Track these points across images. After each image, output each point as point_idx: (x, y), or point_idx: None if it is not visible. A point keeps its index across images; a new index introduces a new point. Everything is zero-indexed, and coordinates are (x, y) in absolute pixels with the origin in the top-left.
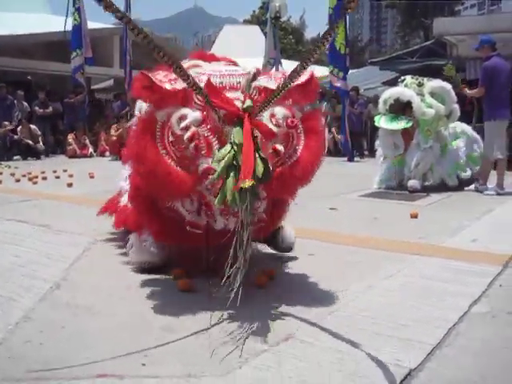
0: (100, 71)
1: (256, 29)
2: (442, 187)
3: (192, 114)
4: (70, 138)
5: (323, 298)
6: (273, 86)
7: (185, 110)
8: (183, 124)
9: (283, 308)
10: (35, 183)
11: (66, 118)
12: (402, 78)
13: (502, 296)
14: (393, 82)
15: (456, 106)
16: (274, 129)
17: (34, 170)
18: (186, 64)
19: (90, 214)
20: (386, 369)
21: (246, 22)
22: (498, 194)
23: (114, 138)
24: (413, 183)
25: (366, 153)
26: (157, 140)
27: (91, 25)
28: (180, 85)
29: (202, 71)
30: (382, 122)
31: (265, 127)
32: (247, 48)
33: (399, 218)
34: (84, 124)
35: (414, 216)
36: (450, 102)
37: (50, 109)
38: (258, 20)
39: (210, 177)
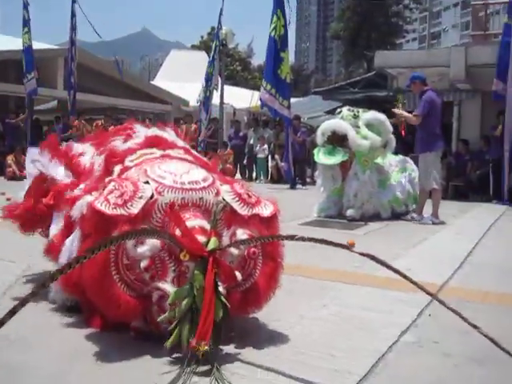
0: (43, 92)
1: (203, 54)
2: (379, 217)
3: (151, 241)
4: (10, 159)
5: (255, 329)
6: (239, 209)
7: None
8: (140, 250)
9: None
10: None
11: (6, 138)
12: (339, 110)
13: (430, 325)
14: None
15: (392, 137)
16: (238, 275)
17: None
18: (137, 153)
19: (25, 240)
20: None
21: (194, 47)
22: (434, 224)
23: None
24: (351, 212)
25: (309, 180)
26: (111, 264)
27: (35, 45)
28: (137, 206)
29: (162, 180)
30: (321, 156)
31: (228, 272)
32: (193, 73)
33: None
34: (24, 145)
35: (351, 245)
36: (385, 132)
37: None
38: (205, 46)
39: (165, 303)
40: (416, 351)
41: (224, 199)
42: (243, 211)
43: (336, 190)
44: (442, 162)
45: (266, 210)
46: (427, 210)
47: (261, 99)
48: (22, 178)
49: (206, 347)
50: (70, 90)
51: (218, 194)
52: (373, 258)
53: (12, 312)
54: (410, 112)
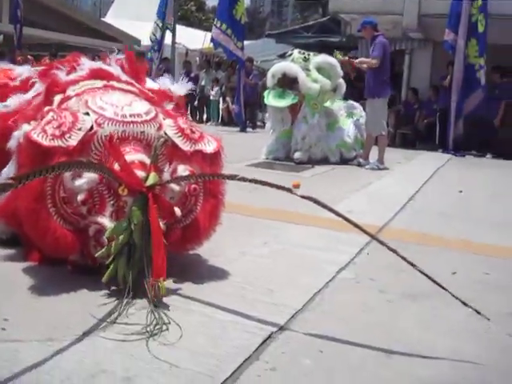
0: None
1: None
2: (327, 161)
3: (89, 174)
4: None
5: (195, 265)
6: (181, 144)
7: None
8: (78, 183)
9: None
10: None
11: None
12: (290, 52)
13: (367, 264)
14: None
15: (341, 81)
16: (177, 211)
17: None
18: (80, 84)
19: None
20: (249, 331)
21: None
22: (378, 169)
23: None
24: (298, 155)
25: (260, 124)
26: (47, 197)
27: None
28: (76, 138)
29: (103, 112)
30: (271, 98)
31: (167, 208)
32: (145, 11)
33: None
34: None
35: (296, 186)
36: (335, 76)
37: None
38: None
39: (102, 238)
40: (352, 287)
41: (166, 134)
42: (185, 147)
43: (285, 133)
44: (390, 110)
45: (209, 147)
46: (373, 155)
47: (213, 38)
48: None
49: (165, 282)
50: (16, 24)
51: (160, 128)
52: (315, 201)
53: None
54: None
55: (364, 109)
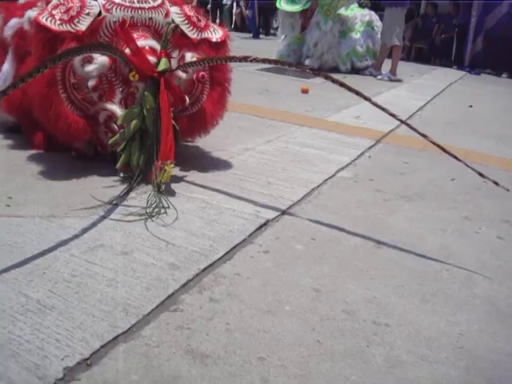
0: None
1: None
2: (337, 70)
3: (99, 59)
4: None
5: (199, 157)
6: (188, 32)
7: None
8: (88, 68)
9: None
10: None
11: None
12: None
13: (368, 165)
14: None
15: None
16: (186, 99)
17: None
18: None
19: None
20: (245, 218)
21: None
22: (390, 80)
23: None
24: (309, 62)
25: (273, 31)
26: (58, 83)
27: None
28: (84, 23)
29: None
30: (283, 3)
31: (178, 94)
32: None
33: (290, 92)
34: None
35: (305, 91)
36: None
37: None
38: None
39: (112, 124)
40: (350, 185)
41: (173, 21)
42: (192, 34)
43: (296, 39)
44: (408, 23)
45: (215, 35)
46: (386, 67)
47: None
48: None
49: (172, 165)
50: None
51: (167, 15)
52: (326, 76)
53: None
54: None
55: (381, 19)
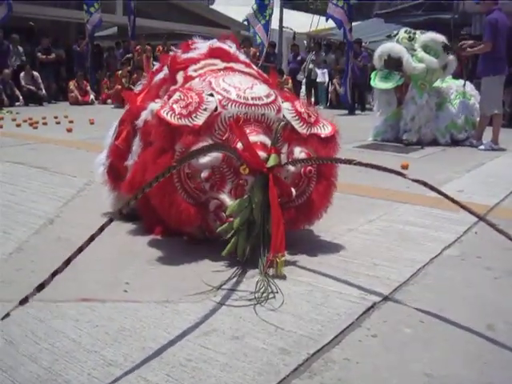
0: (103, 18)
1: None
2: (436, 142)
3: (213, 153)
4: (72, 84)
5: (304, 239)
6: (298, 127)
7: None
8: (202, 161)
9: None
10: (35, 128)
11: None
12: (395, 32)
13: (475, 242)
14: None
15: (452, 58)
16: (293, 191)
17: (34, 116)
18: (200, 63)
19: (87, 157)
20: (352, 301)
21: None
22: (493, 150)
23: (119, 86)
24: (407, 136)
25: (369, 106)
26: (173, 173)
27: None
28: (201, 118)
29: (227, 94)
30: (377, 80)
31: (285, 189)
32: None
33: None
34: (85, 71)
35: (405, 167)
36: (443, 54)
37: (53, 55)
38: None
39: (221, 213)
40: (457, 264)
41: (284, 117)
42: (302, 130)
43: (393, 114)
44: (507, 89)
45: (324, 130)
46: (487, 136)
47: (329, 15)
48: (83, 103)
49: (284, 258)
50: (130, 15)
51: (279, 111)
52: (425, 184)
53: (91, 239)
54: (475, 37)
55: (477, 88)
